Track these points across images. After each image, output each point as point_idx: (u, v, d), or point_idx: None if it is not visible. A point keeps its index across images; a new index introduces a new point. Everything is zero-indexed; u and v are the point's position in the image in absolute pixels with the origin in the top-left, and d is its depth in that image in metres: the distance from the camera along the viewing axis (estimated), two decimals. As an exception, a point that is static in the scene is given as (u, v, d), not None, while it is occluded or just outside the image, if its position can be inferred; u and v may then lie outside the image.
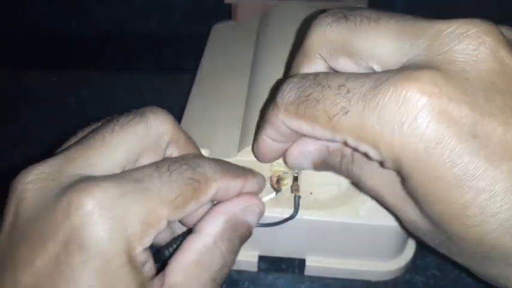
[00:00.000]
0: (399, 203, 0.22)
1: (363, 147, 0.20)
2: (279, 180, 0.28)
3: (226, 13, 0.46)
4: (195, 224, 0.23)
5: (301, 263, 0.31)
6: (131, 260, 0.19)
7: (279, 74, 0.33)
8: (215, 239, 0.22)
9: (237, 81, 0.36)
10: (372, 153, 0.20)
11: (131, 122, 0.21)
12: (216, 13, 0.49)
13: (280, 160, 0.27)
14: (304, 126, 0.22)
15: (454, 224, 0.19)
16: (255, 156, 0.27)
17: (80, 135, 0.23)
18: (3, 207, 0.20)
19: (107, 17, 0.57)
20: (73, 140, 0.23)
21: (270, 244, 0.30)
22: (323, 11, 0.24)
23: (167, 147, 0.23)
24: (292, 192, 0.27)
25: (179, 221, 0.24)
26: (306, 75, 0.22)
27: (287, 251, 0.31)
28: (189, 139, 0.24)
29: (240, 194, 0.24)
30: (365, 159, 0.23)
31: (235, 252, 0.23)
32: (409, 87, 0.18)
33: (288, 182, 0.28)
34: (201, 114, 0.34)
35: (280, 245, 0.30)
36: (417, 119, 0.18)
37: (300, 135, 0.24)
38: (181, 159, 0.22)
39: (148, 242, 0.19)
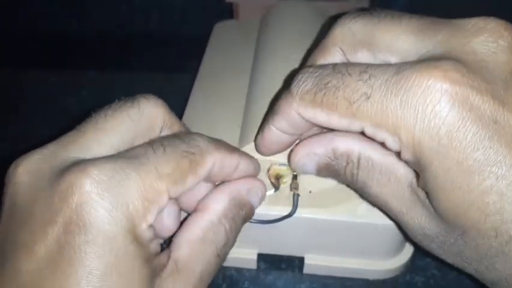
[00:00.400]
0: (405, 208, 0.22)
1: (382, 135, 0.20)
2: (278, 177, 0.28)
3: (226, 13, 0.46)
4: (198, 203, 0.24)
5: (301, 262, 0.31)
6: (135, 237, 0.19)
7: (279, 73, 0.33)
8: (219, 217, 0.23)
9: (238, 80, 0.36)
10: (390, 140, 0.20)
11: (123, 107, 0.22)
12: (216, 13, 0.49)
13: (280, 158, 0.27)
14: (320, 115, 0.22)
15: (472, 213, 0.19)
16: (257, 148, 0.27)
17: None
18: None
19: (107, 17, 0.57)
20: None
21: (269, 242, 0.30)
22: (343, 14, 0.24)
23: (161, 131, 0.23)
24: (291, 190, 0.27)
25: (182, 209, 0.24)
26: (323, 65, 0.22)
27: (286, 249, 0.31)
28: (183, 124, 0.25)
29: (242, 177, 0.24)
30: (372, 165, 0.23)
31: (238, 231, 0.24)
32: (432, 74, 0.18)
33: (287, 180, 0.28)
34: (201, 113, 0.34)
35: (279, 243, 0.30)
36: (440, 103, 0.18)
37: (311, 127, 0.24)
38: (174, 135, 0.22)
39: (151, 219, 0.19)
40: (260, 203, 0.26)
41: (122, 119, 0.21)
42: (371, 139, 0.22)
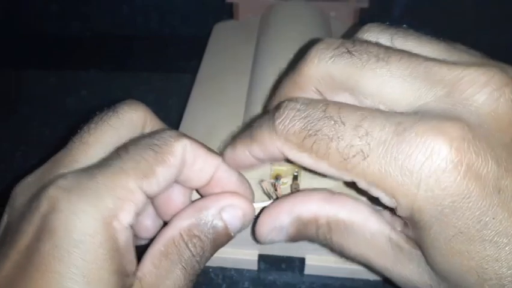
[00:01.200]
0: (390, 264, 0.21)
1: (376, 193, 0.19)
2: (278, 178, 0.28)
3: (226, 13, 0.46)
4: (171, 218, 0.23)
5: (302, 262, 0.31)
6: (107, 239, 0.18)
7: (279, 73, 0.33)
8: (181, 233, 0.21)
9: (238, 80, 0.36)
10: (385, 200, 0.19)
11: (104, 117, 0.22)
12: (215, 13, 0.49)
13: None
14: (307, 160, 0.20)
15: (470, 276, 0.19)
16: (225, 158, 0.24)
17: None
18: (3, 209, 0.21)
19: (107, 17, 0.57)
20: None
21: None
22: (318, 40, 0.22)
23: (143, 132, 0.23)
24: (292, 191, 0.27)
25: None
26: (312, 102, 0.20)
27: (287, 250, 0.31)
28: (165, 125, 0.24)
29: (223, 193, 0.23)
30: (344, 226, 0.22)
31: (206, 251, 0.22)
32: (438, 140, 0.18)
33: (287, 180, 0.28)
34: (201, 114, 0.34)
35: (281, 243, 0.30)
36: (445, 173, 0.17)
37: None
38: (141, 135, 0.22)
39: (126, 218, 0.19)
40: (242, 223, 0.23)
41: (104, 129, 0.22)
42: (334, 199, 0.22)
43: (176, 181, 0.22)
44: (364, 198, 0.24)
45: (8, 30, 0.56)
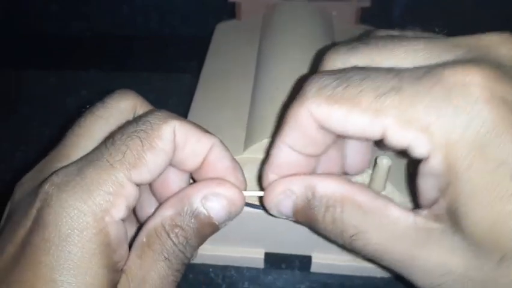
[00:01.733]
0: (416, 250, 0.20)
1: (408, 136, 0.18)
2: None
3: (226, 13, 0.46)
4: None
5: (303, 261, 0.31)
6: (97, 233, 0.19)
7: (282, 72, 0.33)
8: (163, 223, 0.21)
9: (242, 80, 0.36)
10: (418, 142, 0.18)
11: (93, 109, 0.23)
12: (216, 13, 0.49)
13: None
14: (336, 113, 0.19)
15: None
16: (264, 180, 0.23)
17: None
18: (3, 209, 0.21)
19: (107, 17, 0.57)
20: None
21: (276, 241, 0.30)
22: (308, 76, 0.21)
23: None
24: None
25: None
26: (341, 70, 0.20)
27: (293, 248, 0.31)
28: (154, 109, 0.23)
29: (210, 180, 0.22)
30: (362, 209, 0.20)
31: (190, 241, 0.21)
32: (470, 71, 0.17)
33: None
34: (205, 114, 0.34)
35: (287, 241, 0.30)
36: (481, 101, 0.17)
37: (327, 143, 0.21)
38: (128, 122, 0.22)
39: (117, 213, 0.19)
40: (228, 212, 0.22)
41: (93, 121, 0.22)
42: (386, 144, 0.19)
43: (171, 164, 0.21)
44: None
45: (8, 30, 0.56)
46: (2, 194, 0.22)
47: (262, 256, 0.31)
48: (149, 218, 0.22)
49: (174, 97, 0.45)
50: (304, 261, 0.31)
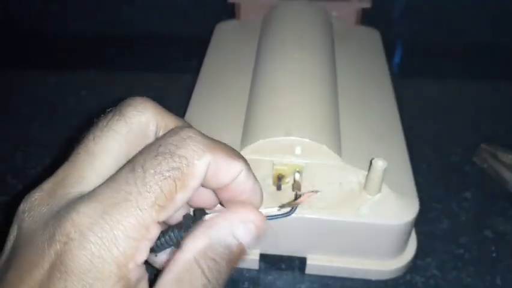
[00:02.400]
0: None
1: None
2: (280, 178, 0.28)
3: (226, 13, 0.46)
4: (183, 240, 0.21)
5: (302, 262, 0.31)
6: (120, 279, 0.18)
7: (280, 73, 0.33)
8: (196, 257, 0.20)
9: (240, 80, 0.36)
10: None
11: (110, 122, 0.21)
12: (216, 13, 0.49)
13: (283, 158, 0.27)
14: None
15: None
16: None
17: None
18: (3, 208, 0.21)
19: (108, 17, 0.57)
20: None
21: (271, 242, 0.30)
22: None
23: (156, 134, 0.22)
24: (293, 190, 0.27)
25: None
26: None
27: (288, 250, 0.31)
28: (179, 120, 0.22)
29: (235, 207, 0.22)
30: None
31: (223, 272, 0.21)
32: None
33: (289, 180, 0.28)
34: (203, 113, 0.34)
35: (282, 243, 0.30)
36: None
37: None
38: (158, 146, 0.20)
39: (141, 257, 0.18)
40: (255, 238, 0.22)
41: (110, 137, 0.20)
42: None
43: None
44: None
45: (8, 30, 0.56)
46: (2, 194, 0.22)
47: (257, 257, 0.31)
48: (175, 253, 0.20)
49: (174, 97, 0.44)
50: (298, 263, 0.31)
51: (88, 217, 0.18)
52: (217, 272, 0.20)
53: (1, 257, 0.20)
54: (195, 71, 0.39)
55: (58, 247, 0.18)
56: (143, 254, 0.19)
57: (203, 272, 0.20)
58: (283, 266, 0.31)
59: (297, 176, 0.27)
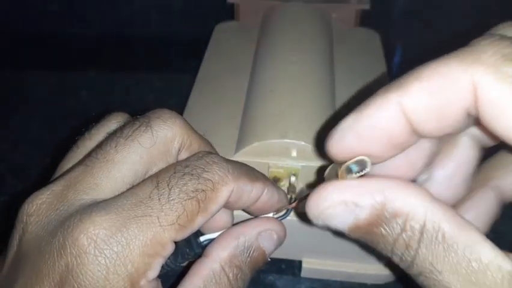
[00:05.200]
0: None
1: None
2: (275, 180, 0.28)
3: (226, 14, 0.46)
4: (206, 248, 0.21)
5: (301, 263, 0.31)
6: None
7: (278, 74, 0.33)
8: (222, 265, 0.20)
9: (238, 81, 0.36)
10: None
11: (135, 133, 0.20)
12: (216, 13, 0.49)
13: (278, 160, 0.27)
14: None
15: None
16: (329, 149, 0.18)
17: (80, 144, 0.21)
18: (3, 209, 0.20)
19: (107, 17, 0.57)
20: (74, 151, 0.21)
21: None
22: None
23: (179, 152, 0.21)
24: (288, 193, 0.27)
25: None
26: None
27: (284, 253, 0.31)
28: (203, 140, 0.22)
29: (256, 218, 0.22)
30: (442, 240, 0.15)
31: (246, 280, 0.21)
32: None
33: (284, 183, 0.28)
34: (200, 114, 0.34)
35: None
36: None
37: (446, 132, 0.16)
38: (185, 166, 0.19)
39: (153, 274, 0.18)
40: (276, 246, 0.22)
41: (134, 148, 0.19)
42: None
43: None
44: None
45: (8, 30, 0.56)
46: (2, 194, 0.22)
47: None
48: (200, 261, 0.20)
49: (174, 97, 0.45)
50: (298, 264, 0.31)
51: (104, 229, 0.17)
52: (241, 280, 0.21)
53: (5, 261, 0.19)
54: (194, 72, 0.39)
55: (69, 259, 0.17)
56: (155, 271, 0.18)
57: (229, 280, 0.20)
58: (283, 267, 0.31)
59: (293, 179, 0.27)
